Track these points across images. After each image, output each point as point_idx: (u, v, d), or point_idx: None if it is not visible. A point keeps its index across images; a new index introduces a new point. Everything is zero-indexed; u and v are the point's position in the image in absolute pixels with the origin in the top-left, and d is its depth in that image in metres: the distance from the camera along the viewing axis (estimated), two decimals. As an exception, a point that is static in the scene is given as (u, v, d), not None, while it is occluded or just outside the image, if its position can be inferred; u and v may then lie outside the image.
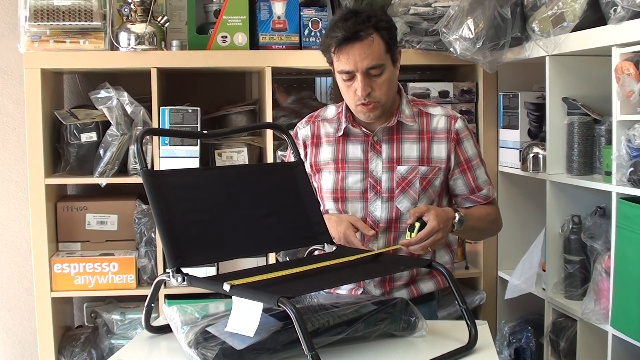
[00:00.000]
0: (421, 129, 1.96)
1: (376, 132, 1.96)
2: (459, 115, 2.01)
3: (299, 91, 3.07)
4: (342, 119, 1.98)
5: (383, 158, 1.95)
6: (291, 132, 2.05)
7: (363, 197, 1.96)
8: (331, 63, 1.91)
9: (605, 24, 2.01)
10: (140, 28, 2.60)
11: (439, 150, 1.95)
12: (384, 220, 1.94)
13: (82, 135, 2.65)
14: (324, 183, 2.00)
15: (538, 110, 2.59)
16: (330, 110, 2.05)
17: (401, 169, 1.94)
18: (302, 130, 2.07)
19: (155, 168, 2.59)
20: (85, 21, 2.55)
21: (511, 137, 2.66)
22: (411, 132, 1.96)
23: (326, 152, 2.01)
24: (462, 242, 2.83)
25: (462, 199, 2.01)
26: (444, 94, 2.75)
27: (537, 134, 2.60)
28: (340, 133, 1.99)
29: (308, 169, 2.05)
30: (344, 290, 1.99)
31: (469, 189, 1.99)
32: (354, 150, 1.98)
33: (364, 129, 1.97)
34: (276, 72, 2.74)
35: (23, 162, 2.89)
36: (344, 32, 1.83)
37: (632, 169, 1.91)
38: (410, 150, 1.95)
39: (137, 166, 2.53)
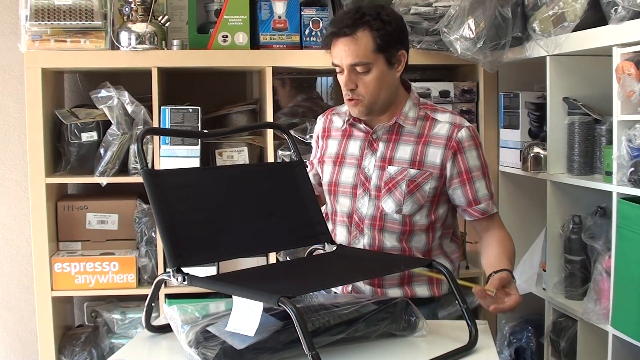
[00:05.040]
0: (421, 132, 1.95)
1: (375, 130, 1.96)
2: (468, 124, 1.96)
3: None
4: (348, 112, 2.00)
5: (377, 156, 1.96)
6: (292, 132, 2.06)
7: (352, 192, 1.97)
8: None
9: (606, 23, 2.01)
10: (141, 27, 2.60)
11: (434, 155, 1.92)
12: (369, 217, 1.95)
13: (82, 134, 2.65)
14: (324, 175, 2.04)
15: (539, 110, 2.59)
16: (345, 105, 2.07)
17: (391, 169, 1.93)
18: (318, 124, 2.13)
19: (156, 167, 2.59)
20: (86, 20, 2.55)
21: (512, 137, 2.66)
22: (410, 134, 1.95)
23: (332, 146, 2.04)
24: (463, 242, 2.83)
25: (461, 211, 2.00)
26: (444, 94, 2.75)
27: (537, 133, 2.60)
28: (344, 126, 2.01)
29: (317, 162, 2.08)
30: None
31: (467, 201, 1.95)
32: (354, 146, 1.99)
33: (365, 126, 1.97)
34: (277, 72, 2.73)
35: (24, 161, 2.89)
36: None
37: (632, 169, 1.91)
38: (404, 151, 1.94)
39: (138, 166, 2.52)
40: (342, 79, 1.91)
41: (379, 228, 1.95)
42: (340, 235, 2.00)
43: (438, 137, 1.93)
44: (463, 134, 1.93)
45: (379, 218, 1.94)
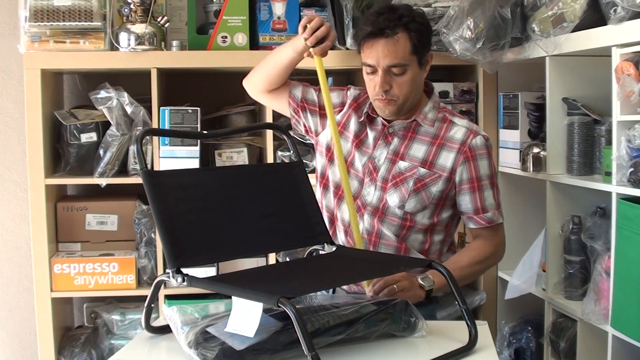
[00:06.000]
0: (437, 133, 1.98)
1: (392, 124, 1.99)
2: (483, 133, 1.99)
3: None
4: (369, 104, 2.01)
5: (390, 149, 1.98)
6: (291, 133, 2.07)
7: (361, 178, 2.00)
8: (360, 53, 1.95)
9: (606, 24, 2.01)
10: (140, 28, 2.60)
11: (446, 158, 1.95)
12: (372, 206, 1.97)
13: (82, 135, 2.65)
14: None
15: (538, 111, 2.59)
16: None
17: (401, 164, 1.96)
18: (352, 90, 2.12)
19: (155, 168, 2.59)
20: (85, 21, 2.55)
21: (511, 137, 2.66)
22: (426, 134, 1.98)
23: (354, 124, 2.05)
24: (462, 242, 2.83)
25: (466, 218, 2.01)
26: (444, 94, 2.75)
27: (537, 134, 2.60)
28: (362, 119, 2.03)
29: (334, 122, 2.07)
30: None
31: (474, 209, 1.98)
32: (370, 135, 2.02)
33: (382, 119, 2.00)
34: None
35: (23, 162, 2.89)
36: (371, 26, 1.88)
37: (632, 169, 1.91)
38: (418, 150, 1.97)
39: (137, 166, 2.53)
40: (374, 79, 1.91)
41: (379, 218, 1.97)
42: (343, 213, 2.02)
43: (453, 140, 1.96)
44: (477, 141, 1.96)
45: (380, 209, 1.96)
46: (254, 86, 2.17)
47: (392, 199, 1.95)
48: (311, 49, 1.96)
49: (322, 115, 2.09)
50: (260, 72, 2.15)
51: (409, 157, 1.96)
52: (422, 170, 1.94)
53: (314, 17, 1.95)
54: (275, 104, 2.18)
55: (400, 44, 1.88)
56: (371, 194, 1.97)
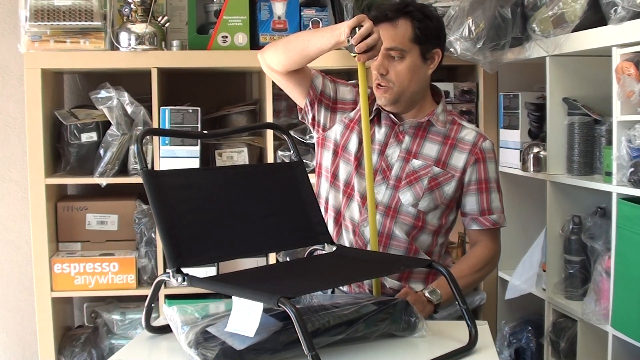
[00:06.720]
0: (448, 134, 1.99)
1: (403, 123, 1.99)
2: (489, 139, 2.03)
3: None
4: (375, 102, 2.01)
5: (402, 147, 1.99)
6: (292, 132, 2.06)
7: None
8: None
9: (606, 24, 2.01)
10: (140, 28, 2.60)
11: (458, 159, 1.97)
12: (383, 205, 1.96)
13: (82, 135, 2.65)
14: (351, 144, 2.02)
15: (538, 111, 2.59)
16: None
17: (415, 162, 1.97)
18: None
19: (156, 168, 2.59)
20: (86, 21, 2.55)
21: (512, 137, 2.66)
22: (438, 134, 1.99)
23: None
24: (462, 242, 2.83)
25: (470, 220, 2.01)
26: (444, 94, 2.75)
27: (537, 134, 2.60)
28: (371, 116, 2.00)
29: (346, 120, 2.05)
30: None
31: (480, 210, 1.99)
32: (379, 132, 2.02)
33: (392, 117, 2.00)
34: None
35: (23, 162, 2.89)
36: (376, 11, 1.93)
37: (632, 169, 1.91)
38: (431, 149, 1.98)
39: (138, 166, 2.53)
40: (374, 64, 1.93)
41: (391, 217, 1.96)
42: (352, 212, 2.00)
43: (464, 142, 1.98)
44: (487, 145, 1.99)
45: (393, 208, 1.96)
46: (272, 64, 2.00)
47: (406, 197, 1.95)
48: (357, 55, 1.76)
49: (334, 110, 2.07)
50: (284, 53, 1.95)
51: (422, 155, 1.97)
52: (436, 170, 1.96)
53: (364, 18, 1.73)
54: (290, 88, 2.05)
55: (400, 29, 1.91)
56: (382, 193, 1.97)
